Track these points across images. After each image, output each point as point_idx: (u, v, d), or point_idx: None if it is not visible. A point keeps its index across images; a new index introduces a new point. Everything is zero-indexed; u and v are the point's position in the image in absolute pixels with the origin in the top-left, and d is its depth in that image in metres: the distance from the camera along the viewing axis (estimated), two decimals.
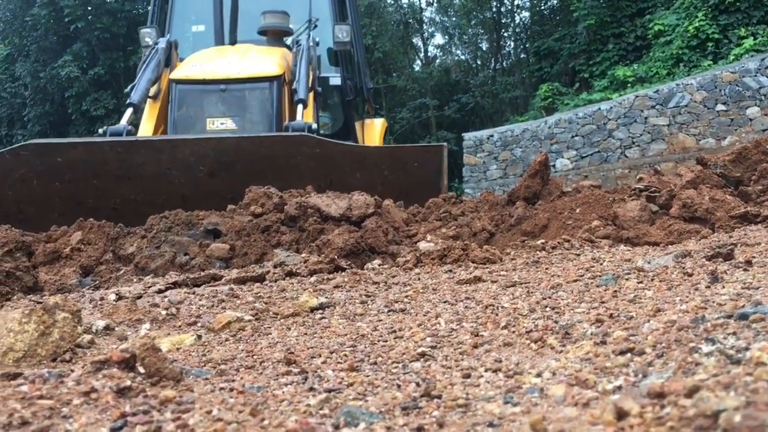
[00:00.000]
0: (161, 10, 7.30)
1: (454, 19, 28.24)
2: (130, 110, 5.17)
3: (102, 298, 2.29)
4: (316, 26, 6.44)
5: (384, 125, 8.49)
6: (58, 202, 4.32)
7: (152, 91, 5.55)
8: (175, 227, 3.53)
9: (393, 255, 3.11)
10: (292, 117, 5.33)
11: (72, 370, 1.29)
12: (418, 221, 3.79)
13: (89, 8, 21.75)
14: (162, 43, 5.85)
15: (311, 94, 5.59)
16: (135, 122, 5.43)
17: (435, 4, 28.47)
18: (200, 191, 4.25)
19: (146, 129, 5.42)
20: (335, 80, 7.28)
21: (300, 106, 5.21)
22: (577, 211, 3.40)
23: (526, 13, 27.36)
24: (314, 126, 5.14)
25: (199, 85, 5.30)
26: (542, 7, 26.22)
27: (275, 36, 6.36)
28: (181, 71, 5.54)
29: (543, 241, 3.01)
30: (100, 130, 5.14)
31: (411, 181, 4.53)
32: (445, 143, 4.98)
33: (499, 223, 3.60)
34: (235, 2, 6.33)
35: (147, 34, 6.39)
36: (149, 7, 7.62)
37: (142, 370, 1.20)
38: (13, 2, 23.86)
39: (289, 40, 6.47)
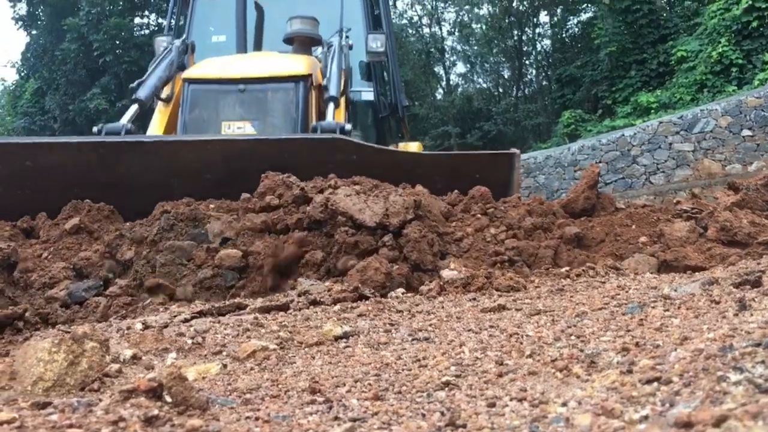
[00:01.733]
0: (179, 19, 6.77)
1: (475, 47, 28.44)
2: (135, 107, 4.59)
3: (129, 327, 2.31)
4: (347, 37, 5.72)
5: (420, 149, 7.27)
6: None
7: (164, 93, 5.02)
8: (179, 224, 3.08)
9: (438, 270, 2.86)
10: (321, 118, 4.69)
11: (100, 399, 1.30)
12: (460, 219, 3.34)
13: (117, 42, 22.25)
14: (178, 44, 5.33)
15: (343, 99, 4.94)
16: (143, 127, 5.00)
17: (456, 34, 28.71)
18: None
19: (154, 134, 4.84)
20: (367, 95, 6.58)
21: (331, 105, 4.57)
22: (633, 227, 3.41)
23: (547, 41, 27.49)
24: (348, 127, 4.37)
25: (214, 84, 4.66)
26: (563, 35, 26.31)
27: (303, 44, 5.64)
28: (195, 70, 4.95)
29: (567, 268, 2.99)
30: (95, 128, 4.44)
31: None
32: (517, 150, 4.25)
33: (549, 230, 3.35)
34: (261, 11, 5.80)
35: (162, 42, 5.81)
36: (166, 17, 7.06)
37: (169, 399, 1.21)
38: (44, 37, 24.53)
39: (318, 51, 5.69)
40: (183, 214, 3.11)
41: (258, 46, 5.73)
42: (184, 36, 5.73)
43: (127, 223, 3.39)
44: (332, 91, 4.66)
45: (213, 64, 4.98)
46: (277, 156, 3.71)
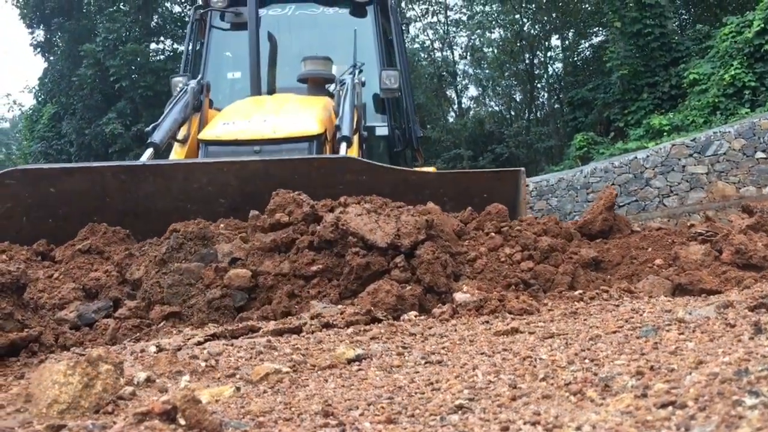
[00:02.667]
0: (195, 58, 6.76)
1: (487, 71, 28.59)
2: (150, 151, 4.69)
3: (143, 350, 2.32)
4: (361, 71, 5.75)
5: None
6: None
7: (180, 134, 5.06)
8: (188, 243, 3.09)
9: (452, 292, 2.84)
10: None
11: (114, 422, 1.31)
12: (473, 237, 3.34)
13: (133, 68, 22.56)
14: (193, 84, 5.37)
15: (356, 137, 4.99)
16: None
17: (468, 57, 28.88)
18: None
19: None
20: (382, 130, 6.55)
21: (344, 144, 4.62)
22: (649, 250, 3.40)
23: (559, 65, 27.59)
24: (351, 137, 4.55)
25: (230, 146, 4.72)
26: (575, 58, 26.42)
27: (316, 84, 5.73)
28: (211, 131, 4.96)
29: (581, 291, 2.98)
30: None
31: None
32: (522, 168, 4.23)
33: (564, 251, 3.33)
34: (274, 47, 5.84)
35: (178, 83, 5.84)
36: (182, 56, 7.04)
37: (182, 422, 1.21)
38: (61, 63, 24.91)
39: (332, 88, 5.73)
40: (192, 232, 3.13)
41: (271, 85, 5.78)
42: (200, 77, 5.75)
43: (138, 244, 3.42)
44: (345, 131, 4.71)
45: (228, 122, 5.01)
46: (289, 177, 3.77)
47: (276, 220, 3.21)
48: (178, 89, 5.52)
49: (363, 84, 5.55)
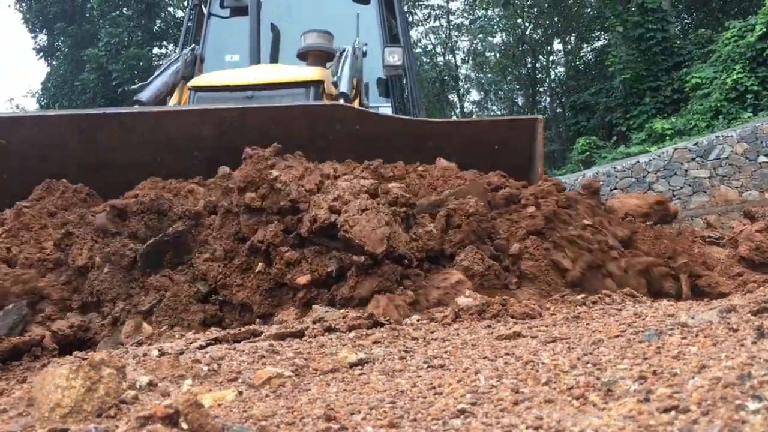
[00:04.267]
0: (193, 40, 6.51)
1: (489, 75, 28.62)
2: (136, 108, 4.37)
3: (145, 354, 2.32)
4: (365, 44, 5.52)
5: None
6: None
7: (171, 102, 4.79)
8: (137, 217, 2.64)
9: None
10: None
11: (117, 426, 1.31)
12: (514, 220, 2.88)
13: (136, 72, 22.60)
14: (186, 51, 5.15)
15: (356, 103, 4.67)
16: None
17: (470, 62, 28.90)
18: None
19: None
20: (386, 111, 6.10)
21: (341, 102, 4.27)
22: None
23: (561, 69, 27.61)
24: (351, 96, 4.22)
25: (220, 92, 4.36)
26: (577, 63, 26.42)
27: (317, 58, 5.41)
28: (201, 78, 4.75)
29: (583, 295, 2.98)
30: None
31: (491, 170, 3.24)
32: (540, 116, 3.82)
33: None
34: (277, 31, 5.71)
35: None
36: (180, 37, 6.86)
37: (185, 425, 1.21)
38: (64, 67, 24.97)
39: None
40: (144, 204, 2.71)
41: (273, 61, 5.58)
42: (194, 47, 5.49)
43: (76, 215, 2.95)
44: (343, 87, 4.38)
45: (220, 73, 4.79)
46: (271, 127, 3.39)
47: (246, 204, 2.71)
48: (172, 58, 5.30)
49: (365, 54, 5.22)
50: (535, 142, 3.61)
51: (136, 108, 4.41)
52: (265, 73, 4.51)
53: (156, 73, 4.94)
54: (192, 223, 2.81)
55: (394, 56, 5.47)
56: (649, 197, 3.68)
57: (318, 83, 4.46)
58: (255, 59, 5.21)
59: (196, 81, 4.67)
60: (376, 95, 6.31)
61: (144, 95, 4.57)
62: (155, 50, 25.27)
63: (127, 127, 3.52)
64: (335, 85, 4.67)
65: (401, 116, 4.34)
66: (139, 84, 4.72)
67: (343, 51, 5.02)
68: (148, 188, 2.97)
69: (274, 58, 5.67)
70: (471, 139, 3.61)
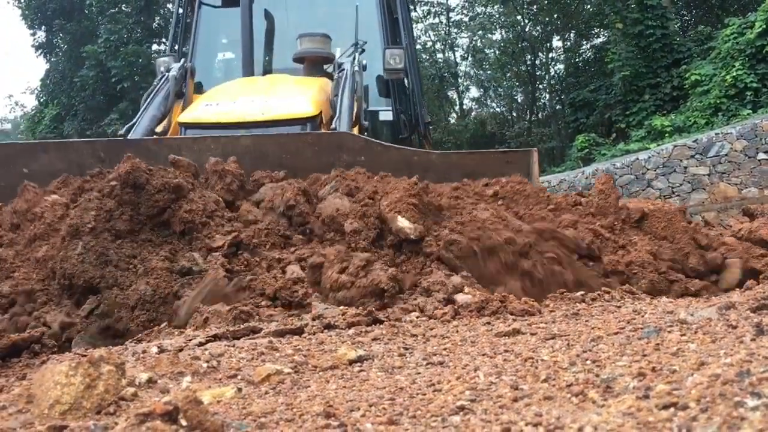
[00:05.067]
0: (184, 37, 6.20)
1: (489, 72, 28.59)
2: None
3: (144, 351, 2.32)
4: (363, 50, 5.28)
5: None
6: None
7: (159, 129, 4.55)
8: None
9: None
10: None
11: (116, 423, 1.31)
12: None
13: (135, 69, 22.57)
14: (174, 71, 4.80)
15: (356, 129, 4.57)
16: None
17: (470, 59, 28.88)
18: None
19: None
20: (386, 115, 6.01)
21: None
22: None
23: (560, 66, 27.59)
24: (355, 131, 4.11)
25: (212, 129, 4.18)
26: (577, 60, 26.41)
27: (314, 64, 5.25)
28: (191, 113, 4.45)
29: (582, 292, 2.98)
30: (120, 132, 4.26)
31: None
32: (534, 148, 4.00)
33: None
34: (271, 25, 5.47)
35: (163, 64, 5.29)
36: (170, 34, 6.41)
37: (184, 422, 1.21)
38: (63, 64, 24.94)
39: (331, 68, 5.26)
40: (121, 177, 2.70)
41: (266, 65, 5.35)
42: (183, 61, 5.21)
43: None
44: (343, 126, 4.27)
45: (211, 104, 4.52)
46: (280, 155, 3.51)
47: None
48: (161, 74, 5.01)
49: (364, 68, 5.06)
50: (531, 174, 3.75)
51: (161, 137, 4.34)
52: (258, 107, 4.28)
53: (143, 105, 4.62)
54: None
55: (396, 59, 5.32)
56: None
57: (314, 118, 4.32)
58: (248, 71, 5.08)
59: (185, 117, 4.42)
60: (376, 95, 6.14)
61: (135, 136, 4.25)
62: (154, 47, 25.22)
63: (149, 154, 3.50)
64: (333, 107, 4.54)
65: (403, 147, 4.19)
66: (126, 127, 4.38)
67: (342, 69, 4.78)
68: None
69: (269, 48, 5.47)
70: (470, 169, 3.75)
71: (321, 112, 4.44)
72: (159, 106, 4.56)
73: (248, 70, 5.11)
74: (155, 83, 4.84)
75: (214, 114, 4.30)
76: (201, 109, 4.44)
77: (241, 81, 5.04)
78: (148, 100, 4.59)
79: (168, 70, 4.84)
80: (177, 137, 4.17)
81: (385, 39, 5.98)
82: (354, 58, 4.96)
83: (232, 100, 4.46)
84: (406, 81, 6.31)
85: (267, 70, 5.40)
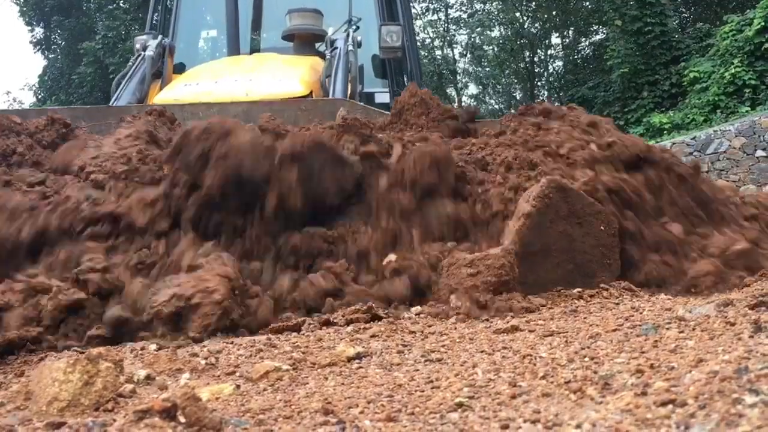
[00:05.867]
0: (165, 12, 5.79)
1: (487, 69, 28.57)
2: None
3: (143, 348, 2.32)
4: (357, 27, 4.94)
5: None
6: None
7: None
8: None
9: None
10: None
11: (114, 420, 1.31)
12: None
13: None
14: (151, 50, 4.44)
15: None
16: None
17: (468, 56, 28.86)
18: None
19: None
20: (382, 97, 5.58)
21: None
22: None
23: (559, 63, 27.60)
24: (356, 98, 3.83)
25: (188, 112, 3.80)
26: (575, 57, 26.41)
27: (304, 41, 4.88)
28: (168, 92, 4.11)
29: (580, 289, 2.98)
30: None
31: None
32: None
33: None
34: (258, 0, 5.14)
35: (140, 41, 4.87)
36: (150, 9, 5.93)
37: (182, 419, 1.21)
38: (61, 61, 24.91)
39: (323, 46, 4.85)
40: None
41: (254, 42, 5.03)
42: (161, 38, 4.86)
43: None
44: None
45: (190, 83, 4.18)
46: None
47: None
48: (137, 53, 4.65)
49: (359, 45, 4.73)
50: None
51: (145, 105, 4.09)
52: (242, 87, 3.97)
53: (114, 92, 4.29)
54: None
55: (393, 36, 4.95)
56: None
57: (304, 98, 4.01)
58: (234, 49, 4.79)
59: (161, 97, 4.07)
60: (372, 75, 5.78)
61: None
62: None
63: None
64: (324, 89, 4.25)
65: None
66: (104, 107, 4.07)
67: (335, 48, 4.45)
68: None
69: (257, 25, 5.15)
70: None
71: (311, 92, 4.16)
72: (133, 91, 4.26)
73: (233, 49, 4.80)
74: (130, 64, 4.53)
75: (193, 94, 3.96)
76: (179, 89, 4.12)
77: (225, 60, 4.73)
78: (122, 83, 4.30)
79: (144, 49, 4.51)
80: (166, 103, 3.79)
81: (382, 15, 5.62)
82: (348, 36, 4.65)
83: (214, 79, 4.15)
84: (404, 62, 5.93)
85: (254, 49, 5.08)
